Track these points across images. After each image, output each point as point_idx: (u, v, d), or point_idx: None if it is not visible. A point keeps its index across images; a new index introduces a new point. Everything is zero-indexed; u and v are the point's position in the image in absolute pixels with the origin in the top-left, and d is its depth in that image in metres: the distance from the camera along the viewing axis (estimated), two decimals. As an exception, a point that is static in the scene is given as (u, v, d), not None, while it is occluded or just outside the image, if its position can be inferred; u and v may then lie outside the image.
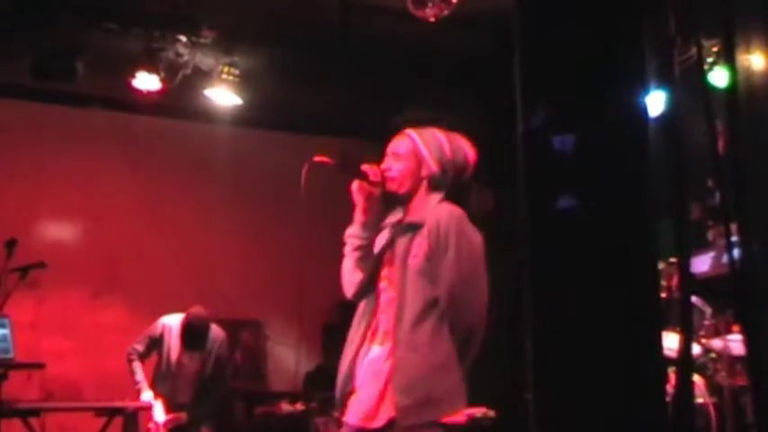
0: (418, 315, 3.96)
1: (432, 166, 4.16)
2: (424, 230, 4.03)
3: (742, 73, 3.01)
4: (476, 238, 4.06)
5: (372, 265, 4.20)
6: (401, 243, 4.12)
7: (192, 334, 7.96)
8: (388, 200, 4.28)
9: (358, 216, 4.26)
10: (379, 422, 3.94)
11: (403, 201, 4.22)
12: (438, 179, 4.17)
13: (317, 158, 4.22)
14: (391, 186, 4.20)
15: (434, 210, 4.10)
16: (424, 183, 4.17)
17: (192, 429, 8.02)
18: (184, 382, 8.04)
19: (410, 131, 4.28)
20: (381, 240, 4.27)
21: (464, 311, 3.96)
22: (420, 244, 4.03)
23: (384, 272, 4.18)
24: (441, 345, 3.95)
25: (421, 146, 4.20)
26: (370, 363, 4.08)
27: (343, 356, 4.20)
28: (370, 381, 4.04)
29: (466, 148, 4.26)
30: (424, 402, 3.88)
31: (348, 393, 4.12)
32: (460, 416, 3.94)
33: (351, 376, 4.12)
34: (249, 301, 10.98)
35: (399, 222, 4.21)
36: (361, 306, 4.23)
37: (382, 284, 4.17)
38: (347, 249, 4.28)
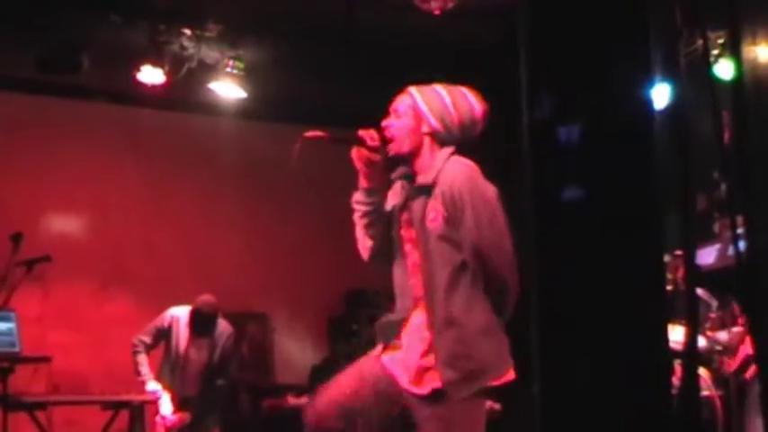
0: (449, 284, 3.95)
1: (432, 122, 4.12)
2: (437, 192, 4.01)
3: (748, 65, 3.00)
4: (489, 190, 4.03)
5: (384, 228, 4.18)
6: (416, 205, 4.11)
7: (201, 321, 7.95)
8: (396, 162, 4.25)
9: (361, 182, 4.23)
10: (424, 390, 3.93)
11: (409, 160, 4.18)
12: (442, 135, 4.11)
13: (308, 134, 4.20)
14: (393, 148, 4.16)
15: (445, 169, 4.06)
16: (427, 140, 4.13)
17: (198, 423, 8.03)
18: (191, 375, 8.05)
19: (411, 89, 4.24)
20: (395, 197, 4.26)
21: (493, 265, 3.95)
22: (436, 207, 4.01)
23: (405, 233, 4.16)
24: (477, 310, 3.94)
25: (420, 102, 4.15)
26: (415, 327, 4.07)
27: (399, 306, 4.20)
28: (415, 345, 4.03)
29: (472, 102, 4.19)
30: (470, 374, 3.89)
31: (394, 337, 4.12)
32: (510, 374, 3.94)
33: (400, 325, 4.11)
34: (255, 294, 10.98)
35: (409, 177, 4.20)
36: (396, 271, 4.21)
37: (407, 247, 4.16)
38: (355, 216, 4.26)
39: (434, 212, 4.00)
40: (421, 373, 3.96)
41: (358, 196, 4.23)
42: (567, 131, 2.42)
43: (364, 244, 4.25)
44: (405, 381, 4.01)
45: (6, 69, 9.74)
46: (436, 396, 3.91)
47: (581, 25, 2.58)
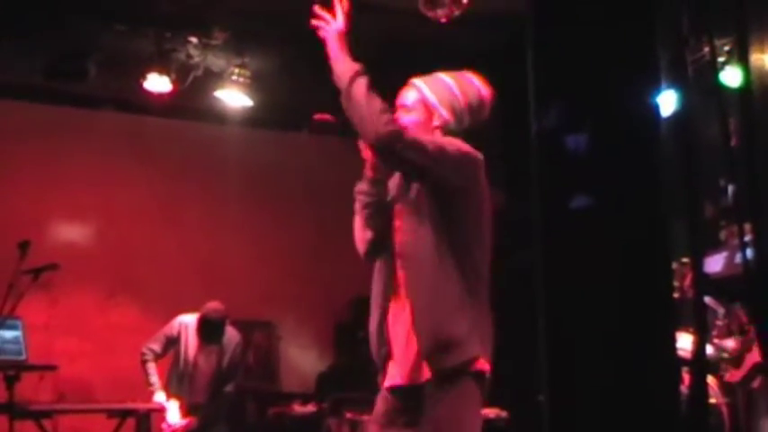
0: (426, 259, 3.88)
1: (444, 113, 4.02)
2: None
3: (755, 72, 3.01)
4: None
5: (384, 221, 4.09)
6: (412, 190, 4.01)
7: (210, 327, 7.94)
8: None
9: (367, 172, 4.11)
10: (424, 377, 3.87)
11: None
12: (452, 126, 4.02)
13: (317, 116, 4.14)
14: None
15: None
16: (438, 132, 4.04)
17: (206, 430, 8.02)
18: (200, 382, 8.04)
19: (415, 80, 4.16)
20: (393, 189, 4.17)
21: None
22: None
23: (397, 224, 4.09)
24: (450, 286, 3.88)
25: (429, 94, 4.07)
26: (397, 322, 4.00)
27: (371, 317, 4.12)
28: (402, 339, 3.95)
29: (478, 87, 4.08)
30: (446, 344, 3.81)
31: (385, 357, 4.04)
32: (485, 364, 3.85)
33: (382, 338, 4.04)
34: (261, 302, 10.98)
35: None
36: (378, 263, 4.11)
37: (396, 237, 4.06)
38: (357, 206, 4.13)
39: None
40: (417, 363, 3.91)
41: (362, 186, 4.12)
42: (574, 140, 2.42)
43: (363, 236, 4.12)
44: (403, 377, 3.96)
45: (14, 78, 9.76)
46: (438, 378, 3.84)
47: (588, 34, 2.58)
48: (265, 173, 11.01)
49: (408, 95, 4.14)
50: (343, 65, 4.01)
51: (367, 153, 4.06)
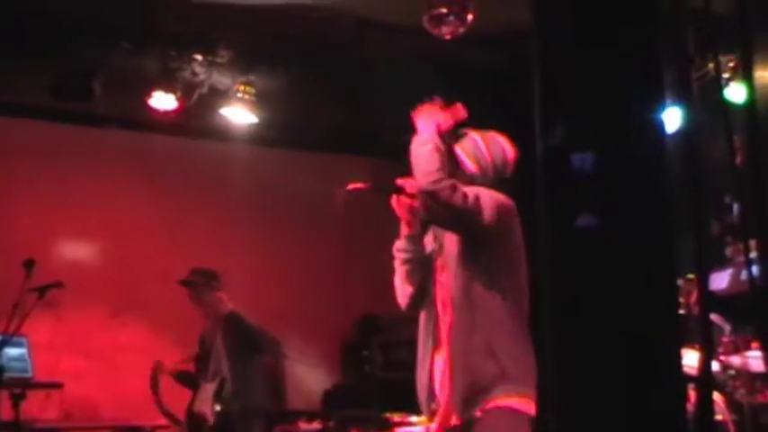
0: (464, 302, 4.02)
1: (469, 166, 4.19)
2: None
3: (760, 89, 3.00)
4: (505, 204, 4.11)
5: (424, 274, 4.20)
6: (448, 243, 4.14)
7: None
8: None
9: (403, 229, 4.29)
10: (478, 411, 3.95)
11: None
12: (478, 178, 4.16)
13: (350, 186, 4.24)
14: None
15: None
16: (463, 181, 4.13)
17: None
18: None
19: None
20: (429, 243, 4.30)
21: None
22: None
23: (439, 276, 4.19)
24: (484, 333, 3.96)
25: (457, 149, 4.23)
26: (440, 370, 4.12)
27: (419, 369, 4.24)
28: (445, 383, 4.08)
29: (504, 145, 4.29)
30: (475, 390, 3.93)
31: (434, 411, 4.14)
32: (525, 405, 3.98)
33: (432, 392, 4.15)
34: (268, 320, 10.98)
35: None
36: (422, 317, 4.26)
37: (437, 290, 4.19)
38: (396, 263, 4.30)
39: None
40: (466, 400, 3.98)
41: (400, 244, 4.29)
42: (580, 158, 2.42)
43: (404, 291, 4.29)
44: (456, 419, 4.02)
45: (20, 96, 9.78)
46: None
47: (593, 52, 2.58)
48: (271, 191, 11.02)
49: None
50: (424, 136, 4.12)
51: (401, 210, 4.18)
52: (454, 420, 3.99)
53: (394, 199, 4.26)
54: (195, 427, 7.76)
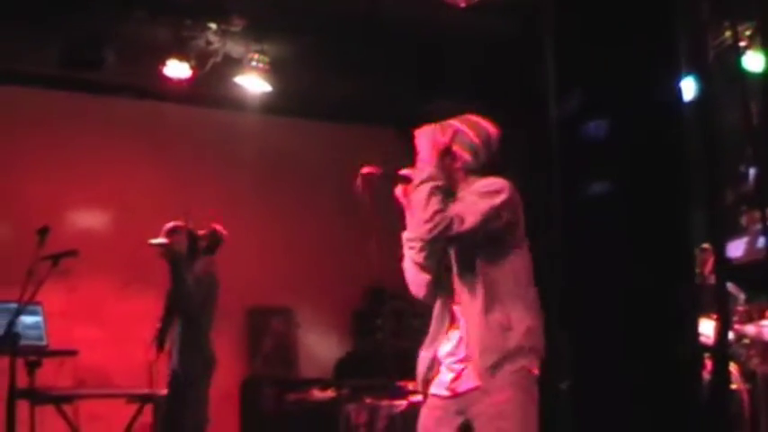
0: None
1: (464, 155, 4.19)
2: None
3: (778, 57, 2.98)
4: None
5: (438, 262, 4.23)
6: None
7: None
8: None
9: (409, 219, 4.28)
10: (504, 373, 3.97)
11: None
12: (471, 165, 4.18)
13: (364, 170, 4.24)
14: None
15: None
16: (460, 173, 4.18)
17: None
18: None
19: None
20: None
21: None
22: None
23: (451, 260, 4.21)
24: (502, 310, 4.00)
25: (454, 147, 4.22)
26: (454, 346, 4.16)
27: (423, 352, 4.27)
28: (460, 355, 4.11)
29: (484, 124, 4.25)
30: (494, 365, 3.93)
31: (431, 379, 4.21)
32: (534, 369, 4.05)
33: (433, 361, 4.19)
34: (279, 289, 11.00)
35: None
36: (438, 305, 4.26)
37: (452, 276, 4.19)
38: (410, 253, 4.28)
39: None
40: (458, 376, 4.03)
41: (410, 233, 4.28)
42: (594, 126, 2.41)
43: (420, 280, 4.29)
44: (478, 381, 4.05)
45: (31, 65, 9.77)
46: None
47: (607, 19, 2.56)
48: (284, 160, 11.02)
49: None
50: (423, 166, 4.14)
51: (405, 200, 4.23)
52: (475, 382, 4.02)
53: (399, 188, 4.27)
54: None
